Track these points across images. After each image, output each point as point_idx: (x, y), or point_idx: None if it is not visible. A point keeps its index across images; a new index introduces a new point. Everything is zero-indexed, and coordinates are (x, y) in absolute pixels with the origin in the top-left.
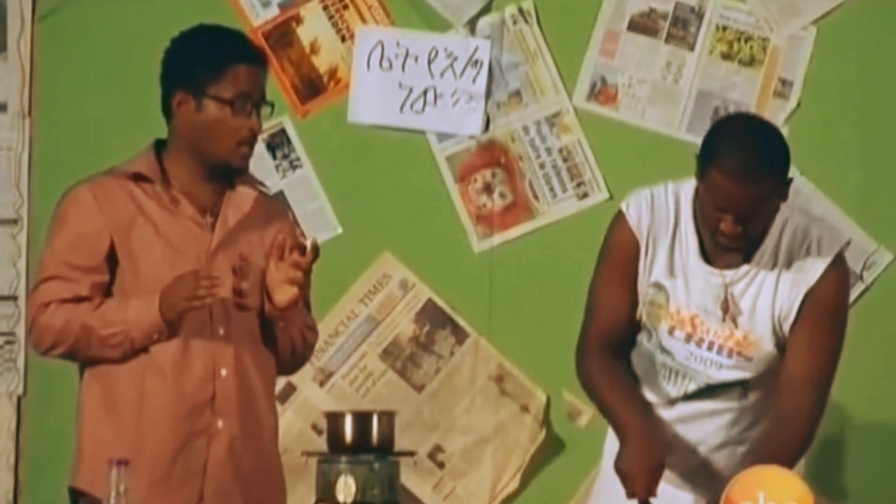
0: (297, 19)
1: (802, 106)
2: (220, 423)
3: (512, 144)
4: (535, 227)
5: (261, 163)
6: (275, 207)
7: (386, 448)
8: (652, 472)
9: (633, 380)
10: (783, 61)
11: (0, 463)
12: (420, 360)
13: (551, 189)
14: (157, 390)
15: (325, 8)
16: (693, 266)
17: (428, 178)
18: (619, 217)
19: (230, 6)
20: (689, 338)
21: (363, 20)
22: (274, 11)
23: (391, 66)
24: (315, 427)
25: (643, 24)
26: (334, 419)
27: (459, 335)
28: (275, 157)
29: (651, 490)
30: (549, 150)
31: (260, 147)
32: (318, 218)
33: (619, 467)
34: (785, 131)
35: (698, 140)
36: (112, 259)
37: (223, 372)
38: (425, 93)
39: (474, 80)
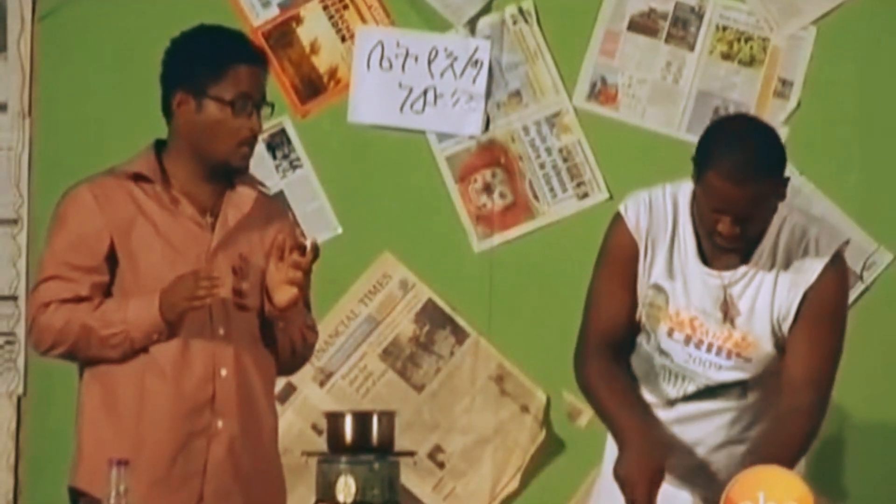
0: (297, 19)
1: (802, 106)
2: (219, 424)
3: (512, 144)
4: (535, 227)
5: (261, 163)
6: (275, 207)
7: (386, 448)
8: (652, 479)
9: (632, 383)
10: (783, 61)
11: (0, 463)
12: (420, 360)
13: (551, 189)
14: (157, 390)
15: (325, 8)
16: (691, 268)
17: (428, 178)
18: (618, 219)
19: (230, 6)
20: (688, 339)
21: (363, 20)
22: (274, 11)
23: (391, 66)
24: (315, 427)
25: (643, 24)
26: (334, 419)
27: (459, 335)
28: (275, 157)
29: (651, 497)
30: (549, 150)
31: (260, 147)
32: (318, 218)
33: (618, 473)
34: (785, 131)
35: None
36: (112, 259)
37: (223, 372)
38: (425, 93)
39: (474, 80)
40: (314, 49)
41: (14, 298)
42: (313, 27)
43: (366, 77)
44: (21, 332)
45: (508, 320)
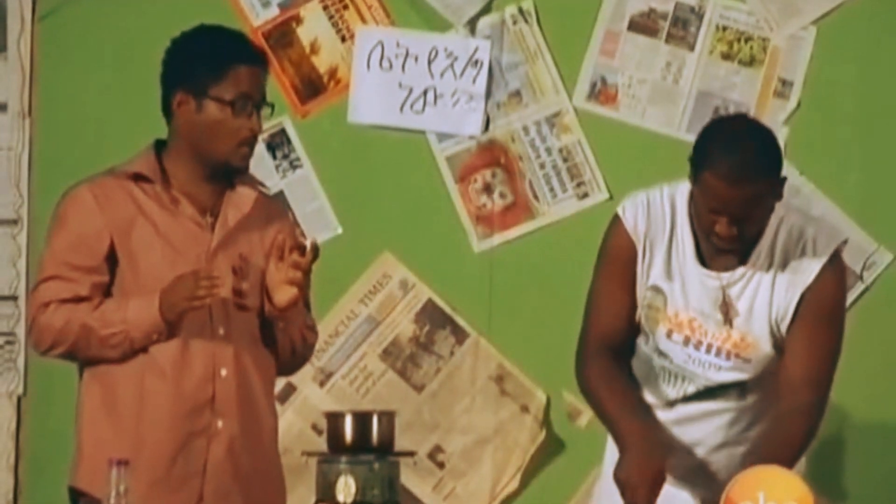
0: (297, 19)
1: (802, 106)
2: (219, 424)
3: (512, 144)
4: (535, 227)
5: (261, 163)
6: (275, 208)
7: (386, 448)
8: (653, 482)
9: (633, 385)
10: (783, 61)
11: (0, 463)
12: (420, 360)
13: (551, 189)
14: (157, 390)
15: (325, 8)
16: (690, 269)
17: (428, 178)
18: (616, 221)
19: (230, 6)
20: (687, 341)
21: (363, 20)
22: (274, 11)
23: (391, 66)
24: (315, 427)
25: (643, 24)
26: (334, 419)
27: (459, 335)
28: (275, 157)
29: (652, 500)
30: (549, 150)
31: (260, 147)
32: (318, 218)
33: (618, 476)
34: (785, 131)
35: None
36: (112, 259)
37: (223, 372)
38: (425, 93)
39: (474, 80)
40: (314, 49)
41: (14, 298)
42: (313, 27)
43: (366, 77)
44: (21, 332)
45: (508, 320)
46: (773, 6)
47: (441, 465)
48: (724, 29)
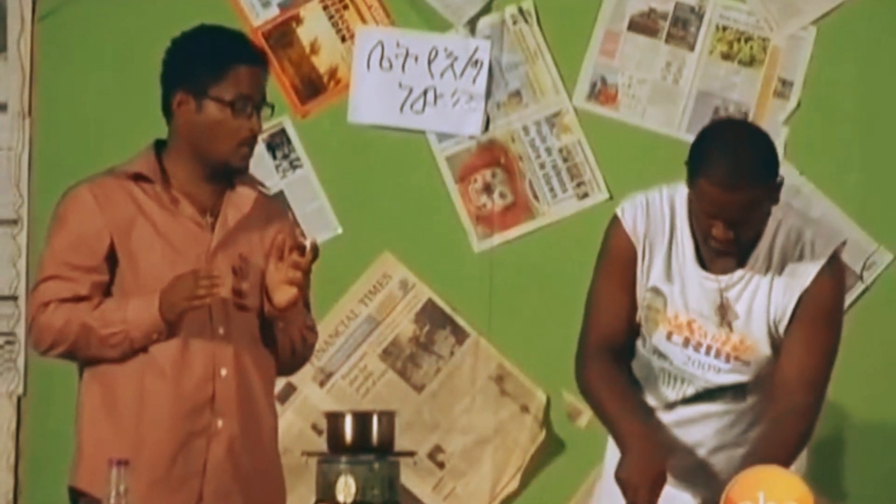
0: (297, 19)
1: (802, 106)
2: (219, 423)
3: (512, 144)
4: (535, 227)
5: (261, 163)
6: (275, 208)
7: (386, 448)
8: (653, 482)
9: (633, 386)
10: (783, 61)
11: (0, 463)
12: (420, 360)
13: (551, 189)
14: (157, 390)
15: (325, 8)
16: (689, 271)
17: (428, 178)
18: (615, 222)
19: (230, 6)
20: (686, 342)
21: (363, 20)
22: (274, 11)
23: (391, 66)
24: (315, 427)
25: (643, 24)
26: (334, 419)
27: (459, 335)
28: (275, 157)
29: (653, 500)
30: (549, 150)
31: (260, 147)
32: (318, 218)
33: (619, 477)
34: (785, 131)
35: None
36: (112, 259)
37: (223, 372)
38: (425, 93)
39: (474, 80)
40: (314, 49)
41: (14, 298)
42: (313, 27)
43: (366, 77)
44: (21, 332)
45: (508, 320)
46: (773, 6)
47: (441, 465)
48: (724, 29)
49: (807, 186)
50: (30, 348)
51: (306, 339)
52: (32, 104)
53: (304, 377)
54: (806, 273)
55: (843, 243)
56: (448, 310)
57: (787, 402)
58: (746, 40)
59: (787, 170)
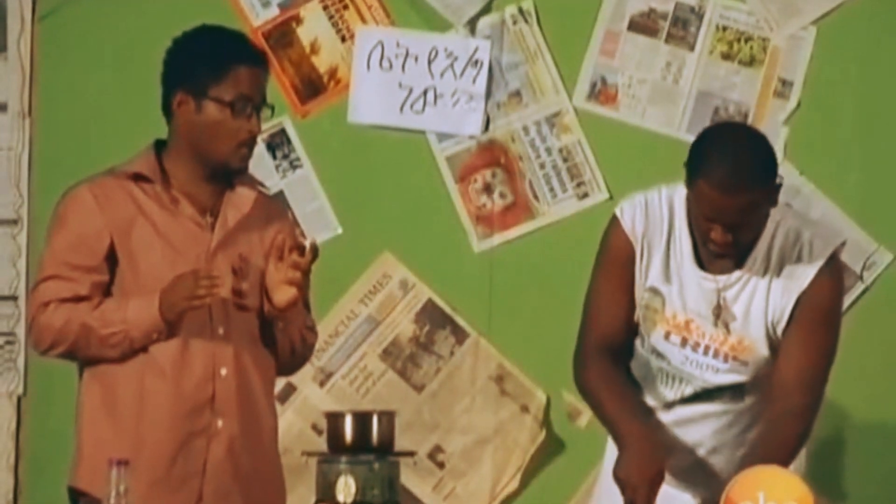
0: (297, 19)
1: (802, 106)
2: (219, 423)
3: (512, 144)
4: (535, 227)
5: (261, 163)
6: (274, 208)
7: (386, 448)
8: (652, 481)
9: (632, 385)
10: (783, 61)
11: (0, 463)
12: (420, 360)
13: (551, 189)
14: (157, 390)
15: (325, 8)
16: (687, 271)
17: (428, 178)
18: (614, 222)
19: (230, 6)
20: (684, 342)
21: (363, 20)
22: (274, 11)
23: (391, 66)
24: (315, 427)
25: (643, 24)
26: (334, 419)
27: (459, 335)
28: (275, 157)
29: (651, 499)
30: (549, 150)
31: (260, 147)
32: (318, 218)
33: (618, 475)
34: (785, 131)
35: None
36: (112, 259)
37: (223, 372)
38: (425, 93)
39: (474, 80)
40: (314, 49)
41: (14, 298)
42: (313, 27)
43: (366, 77)
44: (21, 332)
45: (508, 320)
46: (773, 6)
47: (441, 465)
48: (724, 29)
49: (807, 186)
50: (30, 348)
51: (306, 339)
52: (32, 104)
53: (304, 377)
54: (804, 274)
55: (842, 244)
56: (448, 310)
57: (785, 403)
58: (746, 40)
59: (786, 170)
